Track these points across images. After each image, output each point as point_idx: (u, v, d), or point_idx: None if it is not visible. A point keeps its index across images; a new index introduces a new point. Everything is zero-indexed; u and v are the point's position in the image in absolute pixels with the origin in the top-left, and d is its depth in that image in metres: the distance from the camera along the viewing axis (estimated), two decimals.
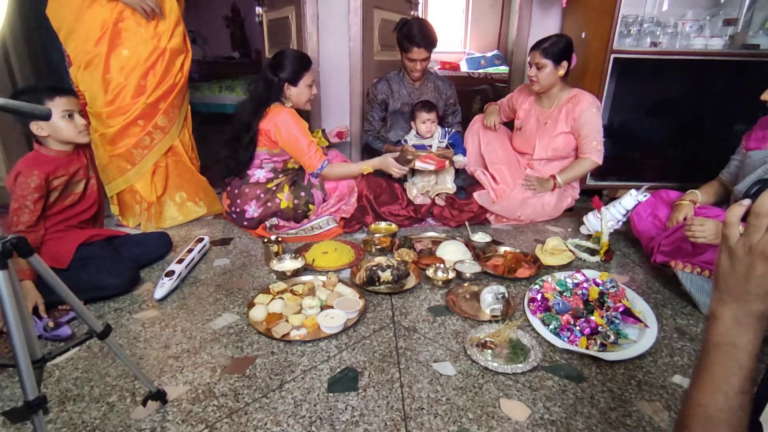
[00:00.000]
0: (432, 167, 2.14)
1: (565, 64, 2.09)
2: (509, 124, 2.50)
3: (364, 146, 2.61)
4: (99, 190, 1.76)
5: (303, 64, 2.02)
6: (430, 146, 2.29)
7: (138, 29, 1.91)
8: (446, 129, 2.37)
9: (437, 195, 2.25)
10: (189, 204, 2.24)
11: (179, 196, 2.21)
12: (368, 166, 2.10)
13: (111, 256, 1.62)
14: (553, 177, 2.21)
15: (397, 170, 2.07)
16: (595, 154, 2.14)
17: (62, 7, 1.85)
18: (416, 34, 2.22)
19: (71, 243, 1.55)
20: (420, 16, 2.41)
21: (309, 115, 2.51)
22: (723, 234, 0.53)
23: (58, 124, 1.53)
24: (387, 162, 2.08)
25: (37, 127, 1.51)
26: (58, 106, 1.51)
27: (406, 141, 2.33)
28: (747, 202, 0.52)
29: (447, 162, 2.18)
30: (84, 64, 1.89)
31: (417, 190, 2.25)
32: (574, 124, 2.15)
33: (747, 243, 0.50)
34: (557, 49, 2.06)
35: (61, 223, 1.60)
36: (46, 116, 0.79)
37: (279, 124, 1.95)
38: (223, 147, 2.07)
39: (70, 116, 1.55)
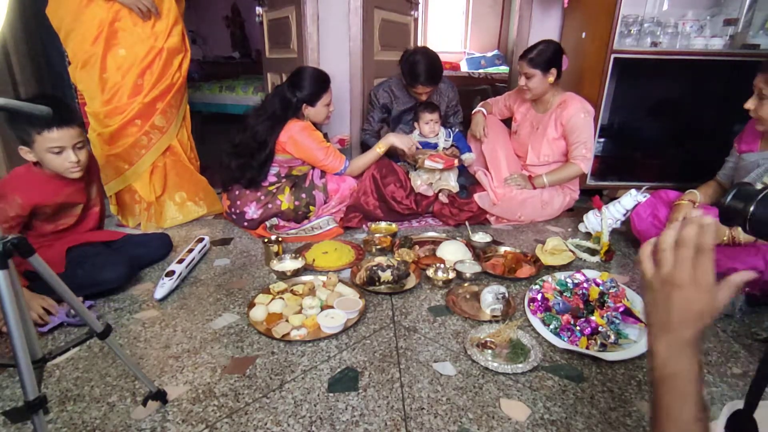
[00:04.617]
0: (440, 166, 2.15)
1: (554, 71, 2.08)
2: (510, 124, 2.50)
3: (360, 144, 2.61)
4: (101, 215, 1.75)
5: (322, 84, 2.02)
6: (436, 144, 2.30)
7: (134, 29, 1.91)
8: (449, 129, 2.37)
9: (440, 191, 2.25)
10: (189, 204, 2.24)
11: (179, 195, 2.21)
12: (380, 144, 2.14)
13: (106, 252, 1.62)
14: (530, 178, 2.22)
15: (402, 142, 2.13)
16: (581, 161, 2.11)
17: (61, 7, 1.85)
18: (421, 74, 2.20)
19: (61, 246, 1.54)
20: (427, 48, 2.31)
21: None
22: (640, 271, 0.57)
23: (46, 157, 1.43)
24: (389, 139, 2.13)
25: (25, 151, 1.43)
26: (47, 141, 1.39)
27: None
28: (653, 240, 0.56)
29: (456, 161, 2.18)
30: (81, 64, 1.89)
31: (422, 181, 2.26)
32: (563, 129, 2.13)
33: (659, 275, 0.54)
34: (544, 58, 2.05)
35: (53, 235, 1.58)
36: (47, 116, 0.79)
37: (294, 138, 1.98)
38: (231, 157, 2.04)
39: (59, 152, 1.44)
